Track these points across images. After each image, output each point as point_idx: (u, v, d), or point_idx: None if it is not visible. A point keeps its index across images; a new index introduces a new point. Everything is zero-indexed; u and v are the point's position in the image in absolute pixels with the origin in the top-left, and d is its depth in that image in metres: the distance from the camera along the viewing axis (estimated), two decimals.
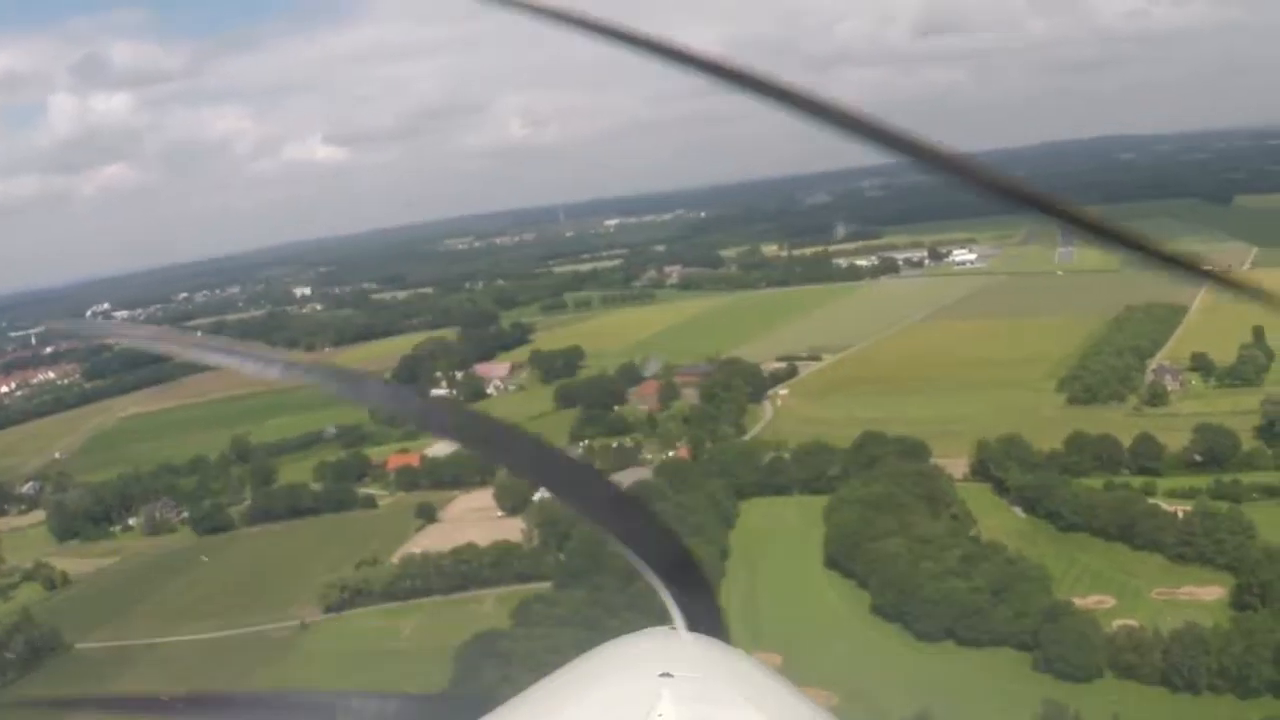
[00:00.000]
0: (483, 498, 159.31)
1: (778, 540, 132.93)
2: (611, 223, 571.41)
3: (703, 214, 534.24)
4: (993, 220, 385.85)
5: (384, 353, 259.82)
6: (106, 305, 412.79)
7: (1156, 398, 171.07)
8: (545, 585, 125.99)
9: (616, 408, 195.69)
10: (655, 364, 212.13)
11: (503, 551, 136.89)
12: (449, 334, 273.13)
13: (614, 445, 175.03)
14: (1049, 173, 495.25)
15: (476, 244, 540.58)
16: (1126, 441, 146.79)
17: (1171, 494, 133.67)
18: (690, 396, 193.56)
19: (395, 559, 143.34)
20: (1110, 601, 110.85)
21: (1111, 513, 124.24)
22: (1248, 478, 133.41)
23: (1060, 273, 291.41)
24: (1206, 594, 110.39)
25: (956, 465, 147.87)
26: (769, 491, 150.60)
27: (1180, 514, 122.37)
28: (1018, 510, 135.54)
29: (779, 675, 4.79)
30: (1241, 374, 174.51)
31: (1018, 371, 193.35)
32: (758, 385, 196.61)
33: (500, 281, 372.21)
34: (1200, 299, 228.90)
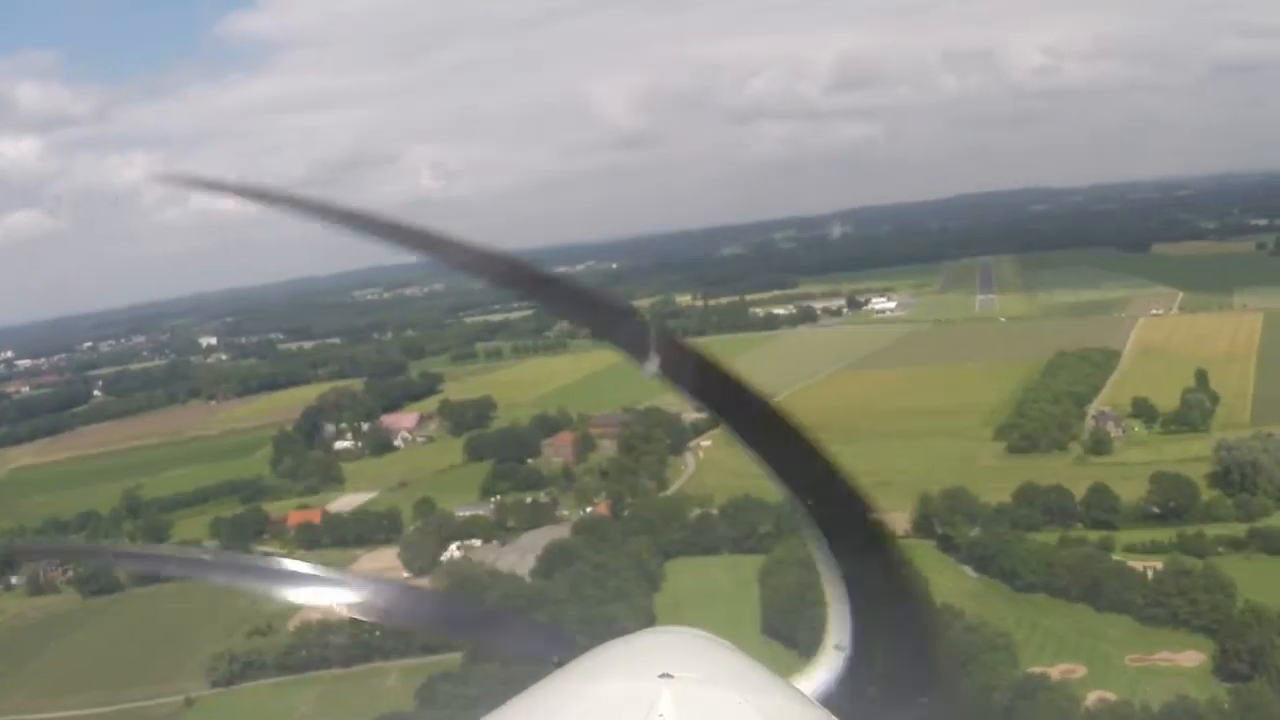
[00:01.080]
0: (388, 557, 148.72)
1: (709, 604, 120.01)
2: None
3: (614, 265, 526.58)
4: (907, 269, 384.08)
5: (289, 403, 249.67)
6: (10, 354, 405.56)
7: (1100, 445, 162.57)
8: (456, 656, 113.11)
9: (530, 460, 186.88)
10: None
11: (403, 614, 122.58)
12: (355, 384, 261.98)
13: (528, 500, 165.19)
14: (964, 225, 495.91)
15: (386, 295, 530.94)
16: (1077, 492, 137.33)
17: (1131, 549, 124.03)
18: (608, 448, 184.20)
19: (292, 625, 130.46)
20: (1081, 670, 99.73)
21: (1073, 571, 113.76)
22: (1211, 530, 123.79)
23: (1003, 319, 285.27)
24: (1185, 660, 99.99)
25: (897, 520, 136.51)
26: (696, 550, 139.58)
27: (1149, 572, 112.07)
28: (968, 569, 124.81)
29: (779, 675, 4.66)
30: (1187, 419, 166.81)
31: (951, 420, 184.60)
32: (678, 436, 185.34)
33: (409, 331, 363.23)
34: (1133, 344, 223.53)
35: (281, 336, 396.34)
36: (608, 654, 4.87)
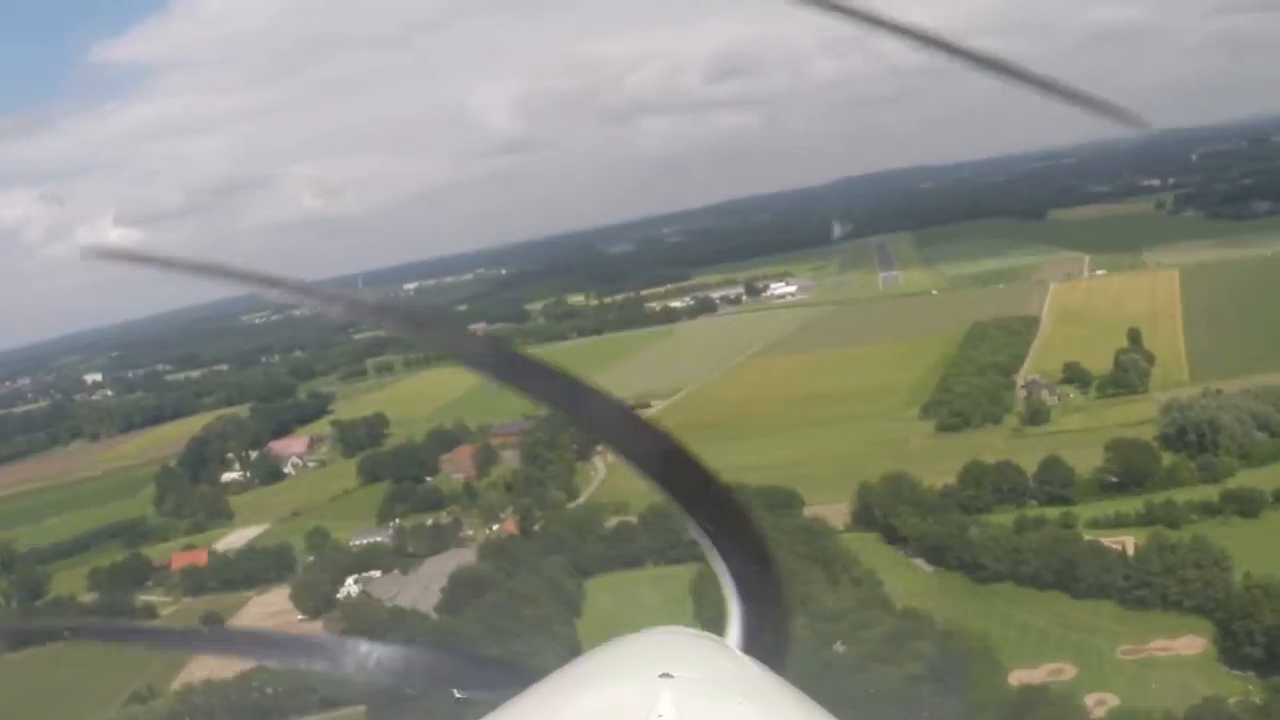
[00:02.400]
0: (279, 599, 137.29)
1: (640, 627, 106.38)
2: (411, 286, 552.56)
3: (503, 271, 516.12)
4: (801, 253, 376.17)
5: (175, 436, 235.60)
6: None
7: (1037, 415, 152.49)
8: (358, 709, 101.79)
9: (429, 479, 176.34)
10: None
11: (300, 673, 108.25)
12: (242, 411, 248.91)
13: (429, 523, 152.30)
14: (853, 206, 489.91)
15: (274, 317, 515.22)
16: (1024, 466, 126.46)
17: (1094, 524, 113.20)
18: (511, 459, 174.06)
19: (176, 686, 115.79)
20: (1070, 670, 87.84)
21: (1041, 555, 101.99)
22: (1180, 496, 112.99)
23: (935, 291, 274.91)
24: (1184, 647, 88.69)
25: (835, 513, 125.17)
26: (617, 565, 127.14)
27: (1129, 549, 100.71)
28: (920, 563, 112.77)
29: (780, 676, 4.49)
30: (1123, 382, 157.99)
31: (873, 402, 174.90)
32: (585, 440, 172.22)
33: (298, 352, 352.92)
34: (1050, 309, 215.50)
35: (169, 367, 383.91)
36: (608, 654, 4.58)
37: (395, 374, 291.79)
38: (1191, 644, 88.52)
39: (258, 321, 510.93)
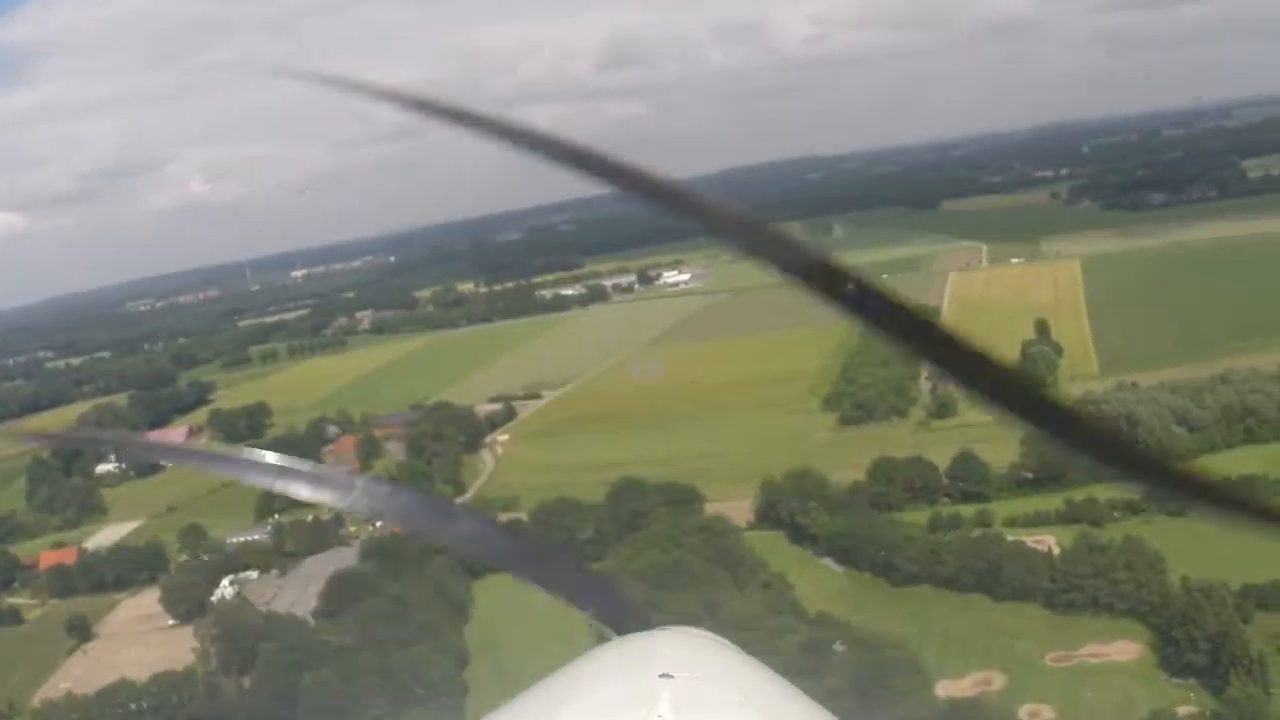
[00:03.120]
0: (150, 601, 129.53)
1: (531, 636, 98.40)
2: (299, 274, 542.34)
3: (392, 258, 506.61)
4: (694, 241, 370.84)
5: (52, 425, 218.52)
6: None
7: (944, 408, 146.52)
8: None
9: None
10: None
11: (167, 687, 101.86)
12: (120, 399, 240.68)
13: (309, 520, 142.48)
14: (736, 197, 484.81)
15: (159, 304, 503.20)
16: (934, 460, 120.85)
17: (1012, 522, 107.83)
18: (395, 451, 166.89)
19: (37, 700, 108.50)
20: (998, 679, 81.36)
21: (961, 556, 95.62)
22: (1102, 494, 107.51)
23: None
24: (1118, 653, 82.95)
25: (737, 510, 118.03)
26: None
27: (1052, 548, 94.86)
28: (830, 563, 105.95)
29: (780, 676, 4.68)
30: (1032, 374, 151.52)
31: (772, 392, 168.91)
32: (472, 432, 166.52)
33: (182, 340, 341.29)
34: (951, 299, 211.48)
35: (50, 354, 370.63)
36: (608, 654, 4.70)
37: (279, 362, 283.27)
38: (1126, 649, 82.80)
39: (143, 308, 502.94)
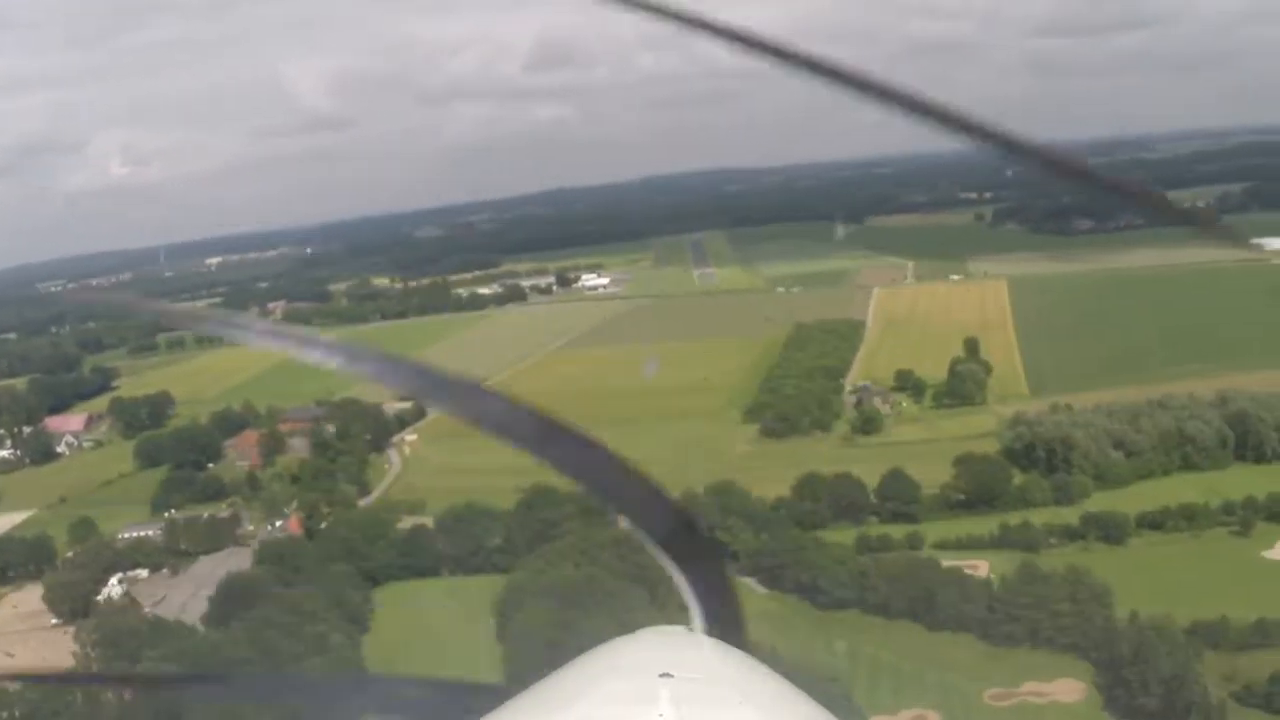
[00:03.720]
0: (34, 598, 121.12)
1: (433, 651, 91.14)
2: (214, 261, 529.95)
3: (309, 250, 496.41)
4: (614, 246, 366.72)
5: None
6: None
7: (870, 424, 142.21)
8: None
9: (210, 465, 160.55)
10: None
11: (41, 693, 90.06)
12: (20, 383, 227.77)
13: (205, 516, 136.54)
14: (665, 203, 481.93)
15: (71, 286, 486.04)
16: (868, 480, 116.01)
17: (942, 545, 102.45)
18: (299, 448, 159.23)
19: None
20: (933, 718, 75.42)
21: (892, 580, 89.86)
22: (1035, 518, 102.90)
23: (780, 291, 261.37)
24: (1061, 692, 77.72)
25: None
26: (409, 574, 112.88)
27: (984, 573, 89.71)
28: (754, 583, 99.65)
29: (780, 676, 4.68)
30: (960, 392, 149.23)
31: (691, 401, 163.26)
32: (380, 430, 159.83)
33: (91, 324, 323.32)
34: (876, 314, 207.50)
35: None
36: (608, 654, 4.76)
37: (186, 350, 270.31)
38: (1070, 689, 77.56)
39: (54, 289, 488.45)
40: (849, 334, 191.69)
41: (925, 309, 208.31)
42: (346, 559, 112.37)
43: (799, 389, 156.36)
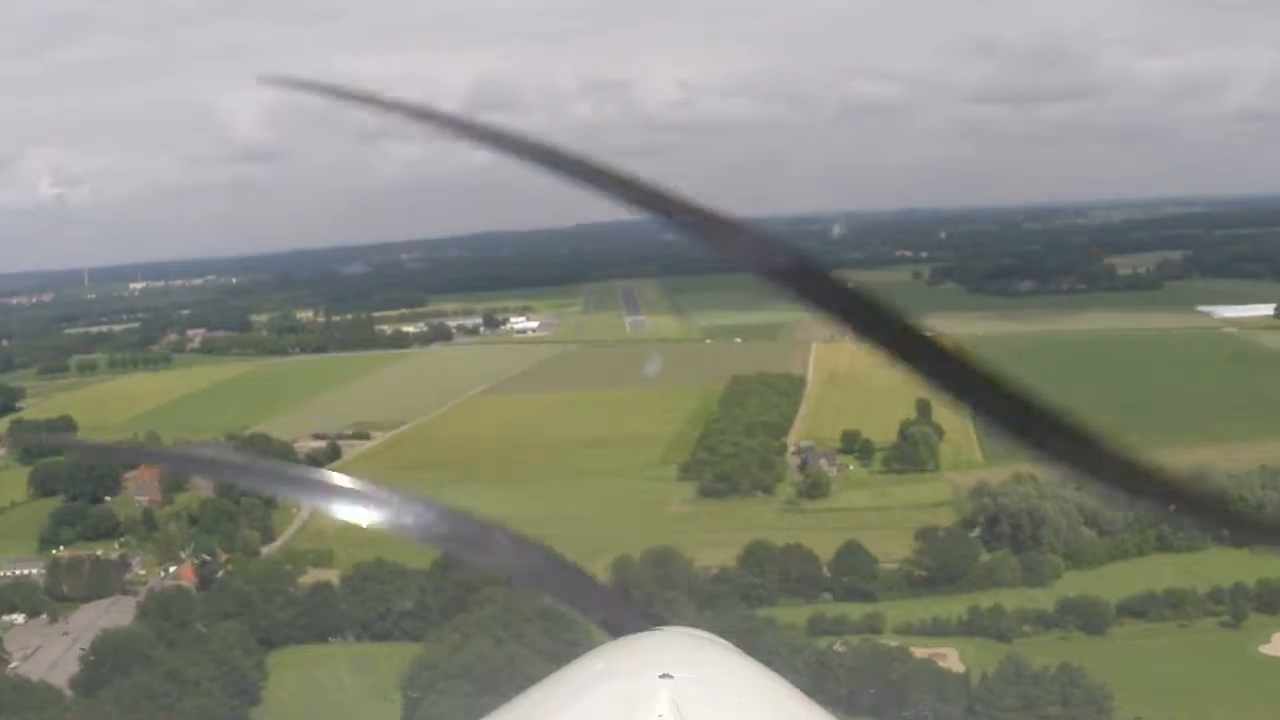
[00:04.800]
0: None
1: None
2: (138, 286, 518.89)
3: (234, 280, 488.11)
4: (543, 290, 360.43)
5: None
6: None
7: (816, 487, 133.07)
8: None
9: (107, 499, 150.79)
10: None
11: None
12: None
13: (95, 555, 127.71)
14: (587, 254, 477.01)
15: None
16: (814, 546, 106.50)
17: (905, 630, 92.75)
18: (203, 486, 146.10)
19: None
20: None
21: (857, 674, 79.71)
22: (1008, 600, 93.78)
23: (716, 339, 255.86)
24: None
25: None
26: (309, 636, 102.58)
27: (971, 671, 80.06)
28: None
29: (780, 676, 4.57)
30: (911, 457, 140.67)
31: (623, 454, 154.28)
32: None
33: (3, 342, 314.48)
34: (816, 370, 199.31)
35: None
36: (608, 654, 4.61)
37: (98, 374, 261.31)
38: None
39: None
40: (789, 390, 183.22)
41: (866, 366, 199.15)
42: (241, 615, 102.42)
43: (738, 447, 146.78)
